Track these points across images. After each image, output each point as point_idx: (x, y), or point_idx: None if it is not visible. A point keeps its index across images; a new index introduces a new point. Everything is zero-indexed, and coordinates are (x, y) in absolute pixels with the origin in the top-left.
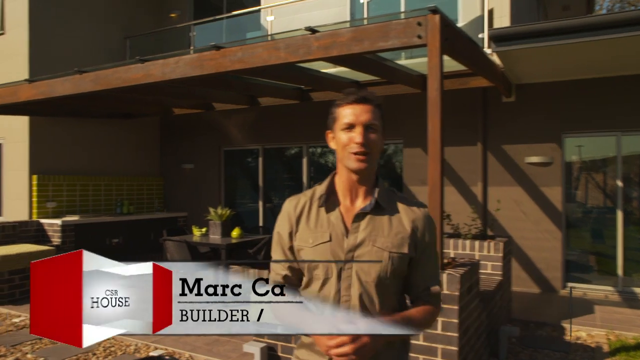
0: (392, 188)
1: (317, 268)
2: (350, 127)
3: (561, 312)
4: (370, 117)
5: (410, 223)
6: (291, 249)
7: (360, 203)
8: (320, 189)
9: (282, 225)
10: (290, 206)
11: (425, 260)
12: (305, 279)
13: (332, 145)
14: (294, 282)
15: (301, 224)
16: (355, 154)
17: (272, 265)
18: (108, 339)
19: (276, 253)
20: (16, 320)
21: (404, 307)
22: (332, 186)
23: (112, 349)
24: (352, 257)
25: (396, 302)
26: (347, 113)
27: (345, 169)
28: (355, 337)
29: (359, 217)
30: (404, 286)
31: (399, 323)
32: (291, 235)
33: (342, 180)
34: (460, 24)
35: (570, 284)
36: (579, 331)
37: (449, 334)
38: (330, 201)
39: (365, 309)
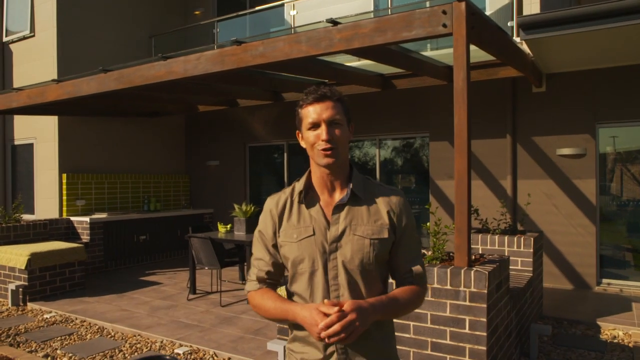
0: (367, 176)
1: (302, 262)
2: (314, 125)
3: (596, 309)
4: (331, 113)
5: (386, 209)
6: (274, 245)
7: (338, 195)
8: (298, 186)
9: (264, 224)
10: (271, 204)
11: (405, 243)
12: (290, 274)
13: (302, 144)
14: (276, 278)
15: (284, 221)
16: (323, 150)
17: (255, 262)
18: (134, 336)
19: (258, 251)
20: (47, 316)
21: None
22: (309, 182)
23: (138, 345)
24: (335, 247)
25: (382, 288)
26: (309, 112)
27: (317, 165)
28: (342, 316)
29: (338, 208)
30: (389, 271)
31: (384, 302)
32: (275, 233)
33: (316, 176)
34: (487, 12)
35: (605, 280)
36: (615, 330)
37: (477, 333)
38: (309, 197)
39: (354, 296)
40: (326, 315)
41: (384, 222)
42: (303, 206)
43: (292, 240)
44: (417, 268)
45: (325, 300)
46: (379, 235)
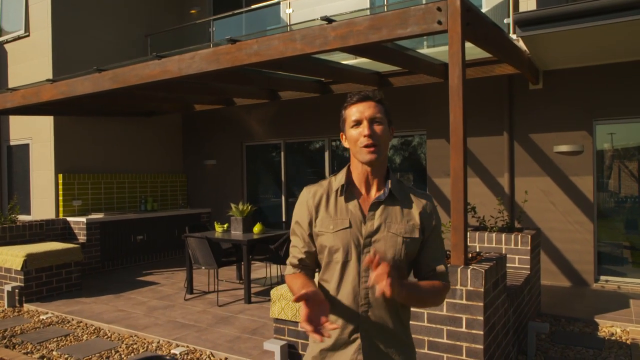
0: (401, 179)
1: (337, 252)
2: (357, 123)
3: (594, 306)
4: (373, 111)
5: (418, 211)
6: (310, 235)
7: (375, 193)
8: (338, 180)
9: (300, 214)
10: (308, 195)
11: (431, 243)
12: (324, 262)
13: (346, 144)
14: (310, 264)
15: (320, 212)
16: (366, 146)
17: (291, 249)
18: (131, 336)
19: (294, 239)
20: (43, 317)
21: None
22: (350, 177)
23: (135, 346)
24: (369, 242)
25: None
26: (353, 112)
27: (359, 162)
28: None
29: (375, 205)
30: (413, 269)
31: (409, 283)
32: (310, 223)
33: (357, 172)
34: (484, 9)
35: (603, 277)
36: (613, 327)
37: (473, 331)
38: (348, 191)
39: None
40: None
41: (415, 222)
42: (342, 199)
43: (329, 231)
44: (440, 267)
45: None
46: (411, 234)
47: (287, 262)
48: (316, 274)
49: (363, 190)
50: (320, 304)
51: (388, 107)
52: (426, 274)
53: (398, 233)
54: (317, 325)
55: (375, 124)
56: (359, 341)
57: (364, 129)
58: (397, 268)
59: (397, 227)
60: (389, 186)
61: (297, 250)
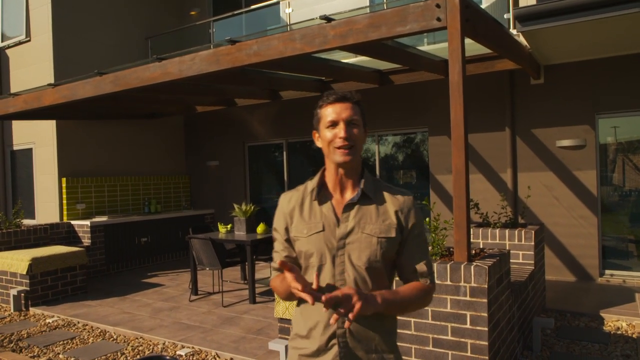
0: (378, 178)
1: (312, 256)
2: (333, 124)
3: (599, 300)
4: (350, 113)
5: (394, 210)
6: (288, 240)
7: (349, 194)
8: (312, 183)
9: (278, 221)
10: (284, 201)
11: (411, 243)
12: (303, 267)
13: (319, 144)
14: None
15: (295, 217)
16: (340, 148)
17: (273, 255)
18: (137, 338)
19: (276, 245)
20: (49, 320)
21: None
22: (323, 180)
23: (140, 348)
24: (343, 244)
25: (388, 285)
26: (329, 112)
27: (333, 164)
28: (345, 291)
29: (348, 207)
30: (396, 270)
31: (385, 294)
32: (287, 229)
33: (330, 174)
34: (484, 5)
35: (608, 271)
36: (618, 321)
37: (478, 328)
38: (321, 194)
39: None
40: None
41: (391, 221)
42: (315, 203)
43: (303, 235)
44: (421, 266)
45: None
46: (387, 234)
47: (271, 267)
48: None
49: (337, 192)
50: (302, 277)
51: (364, 108)
52: (408, 275)
53: (373, 234)
54: (305, 285)
55: (351, 126)
56: (336, 348)
57: (340, 130)
58: (373, 271)
59: (371, 227)
60: (362, 186)
61: (277, 255)
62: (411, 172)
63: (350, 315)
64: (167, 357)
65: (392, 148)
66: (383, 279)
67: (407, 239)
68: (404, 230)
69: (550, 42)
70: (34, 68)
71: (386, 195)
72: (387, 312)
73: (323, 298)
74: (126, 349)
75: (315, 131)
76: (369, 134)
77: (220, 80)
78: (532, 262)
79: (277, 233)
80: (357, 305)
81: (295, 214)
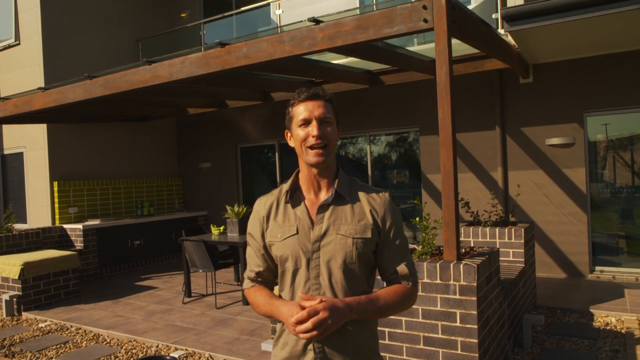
0: (354, 177)
1: (287, 260)
2: (305, 122)
3: (589, 297)
4: (323, 111)
5: (370, 210)
6: (264, 247)
7: (324, 195)
8: (285, 186)
9: (253, 226)
10: (259, 206)
11: (390, 244)
12: (279, 272)
13: (291, 143)
14: (268, 277)
15: (270, 221)
16: (313, 147)
17: (248, 261)
18: (130, 341)
19: (249, 251)
20: (42, 325)
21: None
22: (297, 182)
23: (134, 350)
24: (318, 246)
25: (367, 287)
26: (301, 110)
27: (306, 164)
28: (313, 313)
29: (322, 208)
30: (378, 272)
31: (361, 302)
32: (263, 234)
33: (304, 175)
34: (472, 5)
35: (598, 268)
36: (608, 317)
37: (468, 326)
38: (295, 197)
39: (336, 295)
40: (304, 309)
41: (367, 222)
42: (289, 206)
43: (277, 240)
44: (401, 268)
45: (300, 294)
46: (362, 234)
47: (245, 275)
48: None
49: (312, 194)
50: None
51: (336, 106)
52: (390, 277)
53: (348, 234)
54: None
55: (324, 124)
56: (312, 353)
57: (313, 128)
58: (349, 273)
59: (346, 228)
60: (336, 186)
61: (253, 263)
62: (403, 171)
63: (323, 335)
64: (167, 357)
65: (385, 148)
66: (360, 282)
67: (385, 240)
68: (381, 230)
69: (538, 42)
70: (24, 72)
71: (361, 194)
72: (362, 317)
73: (292, 320)
74: (119, 352)
75: (288, 130)
76: (360, 134)
77: (211, 82)
78: (523, 259)
79: (252, 238)
80: (322, 327)
81: (271, 218)
